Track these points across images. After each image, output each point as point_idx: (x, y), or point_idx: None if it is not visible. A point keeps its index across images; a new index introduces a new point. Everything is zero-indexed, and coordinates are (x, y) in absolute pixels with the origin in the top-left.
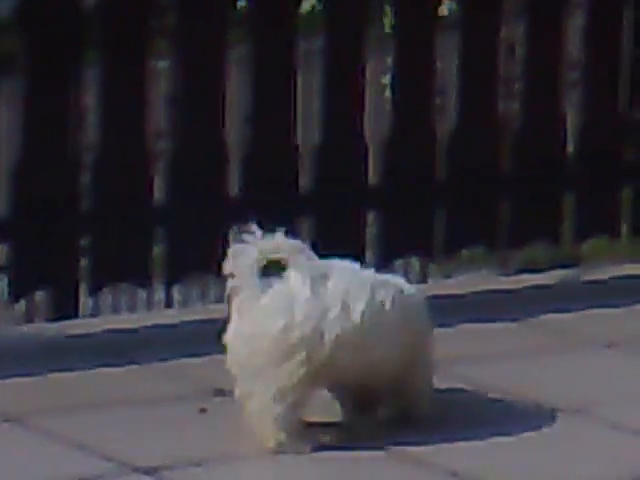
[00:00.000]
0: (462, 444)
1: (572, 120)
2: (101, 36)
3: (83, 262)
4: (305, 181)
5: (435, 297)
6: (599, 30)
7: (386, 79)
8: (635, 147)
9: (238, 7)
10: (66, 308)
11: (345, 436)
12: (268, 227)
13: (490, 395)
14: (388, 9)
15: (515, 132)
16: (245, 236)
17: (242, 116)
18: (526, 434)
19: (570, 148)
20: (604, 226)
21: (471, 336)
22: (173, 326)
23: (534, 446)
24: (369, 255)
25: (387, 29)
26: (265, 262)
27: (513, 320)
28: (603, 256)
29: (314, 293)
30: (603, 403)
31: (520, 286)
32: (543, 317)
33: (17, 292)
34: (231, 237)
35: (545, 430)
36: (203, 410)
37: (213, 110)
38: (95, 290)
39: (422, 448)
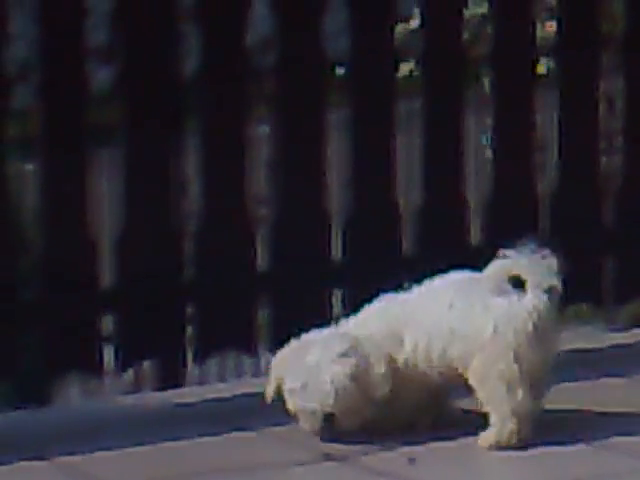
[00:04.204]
0: None
1: None
2: (200, 103)
3: (189, 330)
4: (407, 243)
5: None
6: None
7: (485, 139)
8: None
9: (337, 74)
10: (173, 377)
11: None
12: (370, 290)
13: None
14: (487, 69)
15: (617, 187)
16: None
17: (343, 180)
18: None
19: None
20: None
21: (580, 393)
22: None
23: None
24: None
25: (486, 89)
26: None
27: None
28: None
29: None
30: None
31: (632, 341)
32: None
33: (124, 362)
34: None
35: None
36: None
37: (314, 174)
38: (201, 358)
39: None
